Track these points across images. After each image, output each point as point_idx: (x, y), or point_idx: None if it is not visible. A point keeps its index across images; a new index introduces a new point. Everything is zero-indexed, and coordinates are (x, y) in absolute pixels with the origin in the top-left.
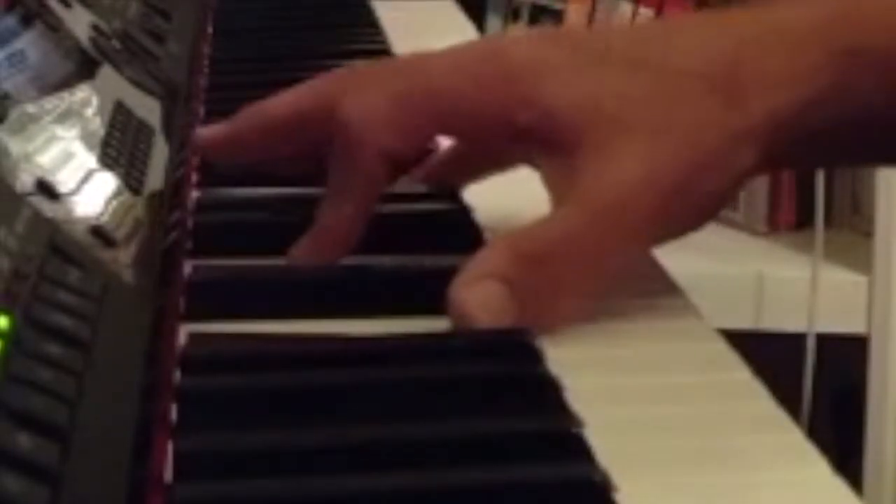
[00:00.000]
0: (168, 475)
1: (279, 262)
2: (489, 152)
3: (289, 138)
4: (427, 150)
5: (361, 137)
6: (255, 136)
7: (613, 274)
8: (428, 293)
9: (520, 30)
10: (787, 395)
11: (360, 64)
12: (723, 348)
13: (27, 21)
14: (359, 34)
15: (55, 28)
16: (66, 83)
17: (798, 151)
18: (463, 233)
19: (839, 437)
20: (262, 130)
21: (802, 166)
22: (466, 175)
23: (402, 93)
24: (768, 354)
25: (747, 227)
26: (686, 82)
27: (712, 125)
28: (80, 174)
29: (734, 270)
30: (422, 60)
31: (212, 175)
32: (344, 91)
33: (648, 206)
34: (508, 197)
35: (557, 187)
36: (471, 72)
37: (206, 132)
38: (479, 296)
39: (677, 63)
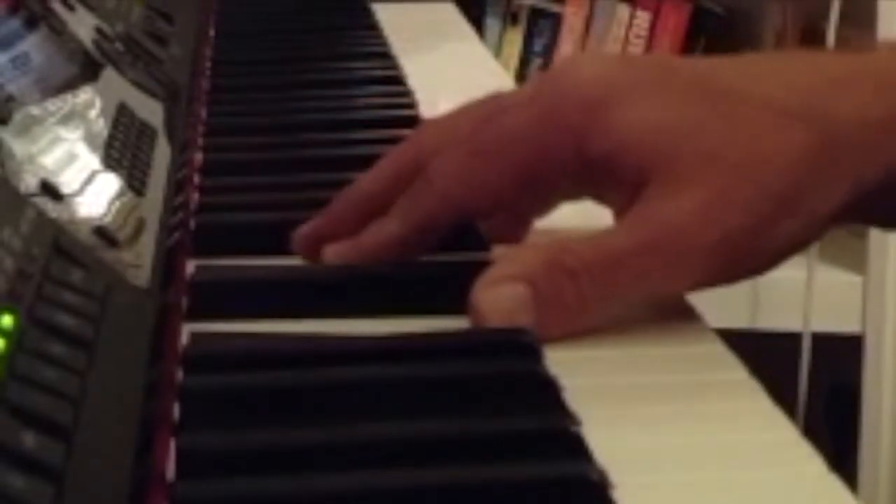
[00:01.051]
0: (170, 473)
1: (280, 262)
2: (557, 187)
3: (385, 207)
4: (508, 202)
5: (434, 181)
6: (354, 218)
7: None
8: (430, 293)
9: (517, 33)
10: (782, 394)
11: (441, 118)
12: (720, 348)
13: (31, 24)
14: (359, 37)
15: (59, 31)
16: (69, 85)
17: (885, 202)
18: (464, 234)
19: (834, 434)
20: (361, 209)
21: (884, 220)
22: (530, 214)
23: (478, 146)
24: (764, 353)
25: None
26: (770, 116)
27: (796, 162)
28: (84, 175)
29: None
30: (499, 105)
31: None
32: (430, 152)
33: (706, 243)
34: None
35: (624, 216)
36: (541, 106)
37: (303, 230)
38: (498, 298)
39: (763, 94)
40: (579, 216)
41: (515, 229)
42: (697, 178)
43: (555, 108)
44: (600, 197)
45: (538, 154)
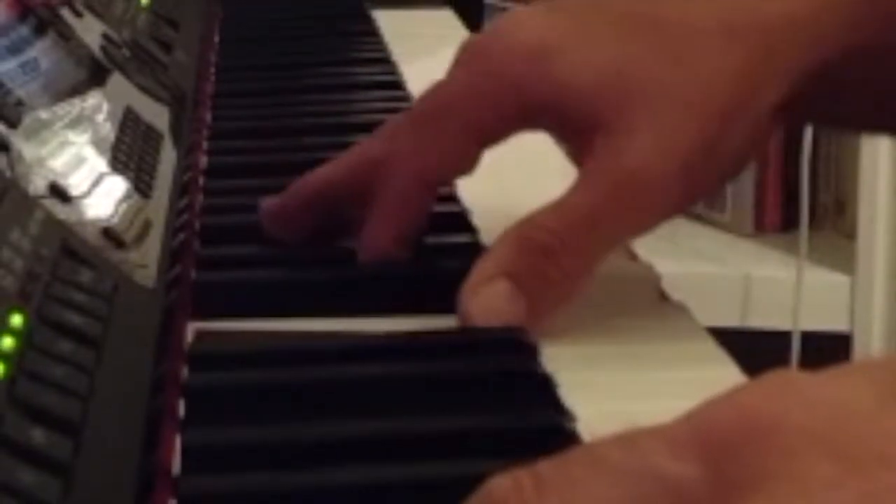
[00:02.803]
0: (176, 468)
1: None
2: (511, 134)
3: (341, 201)
4: (465, 160)
5: (395, 167)
6: (314, 200)
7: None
8: (427, 294)
9: None
10: None
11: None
12: (711, 345)
13: (40, 30)
14: (360, 43)
15: (67, 37)
16: (77, 90)
17: (817, 105)
18: (460, 235)
19: None
20: (317, 195)
21: (818, 120)
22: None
23: (423, 118)
24: (755, 351)
25: (734, 229)
26: (703, 37)
27: (729, 74)
28: (92, 178)
29: (722, 271)
30: (441, 80)
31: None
32: (382, 143)
33: (665, 175)
34: (505, 198)
35: (579, 164)
36: (480, 65)
37: (266, 204)
38: (484, 300)
39: (692, 16)
40: None
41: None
42: (643, 114)
43: (493, 63)
44: (555, 138)
45: (484, 109)
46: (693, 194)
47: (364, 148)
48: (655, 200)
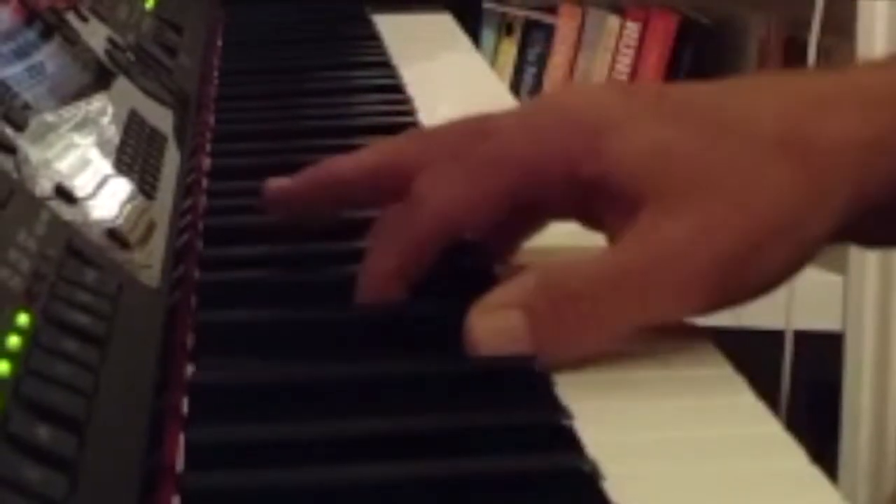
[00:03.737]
0: (180, 465)
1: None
2: (548, 209)
3: (353, 198)
4: (497, 220)
5: (424, 201)
6: (322, 192)
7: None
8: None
9: (512, 43)
10: (766, 389)
11: (430, 128)
12: (706, 344)
13: (46, 35)
14: (360, 47)
15: (73, 41)
16: (82, 93)
17: (872, 223)
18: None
19: (815, 428)
20: (330, 187)
21: (876, 240)
22: (520, 234)
23: (469, 161)
24: (748, 350)
25: None
26: (759, 148)
27: (787, 193)
28: (97, 179)
29: None
30: (492, 122)
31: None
32: (418, 160)
33: (702, 263)
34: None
35: (618, 241)
36: (534, 128)
37: (274, 184)
38: (494, 326)
39: (751, 124)
40: (570, 235)
41: (504, 249)
42: (691, 202)
43: (548, 130)
44: (591, 220)
45: (531, 175)
46: (730, 297)
47: (394, 154)
48: (688, 284)
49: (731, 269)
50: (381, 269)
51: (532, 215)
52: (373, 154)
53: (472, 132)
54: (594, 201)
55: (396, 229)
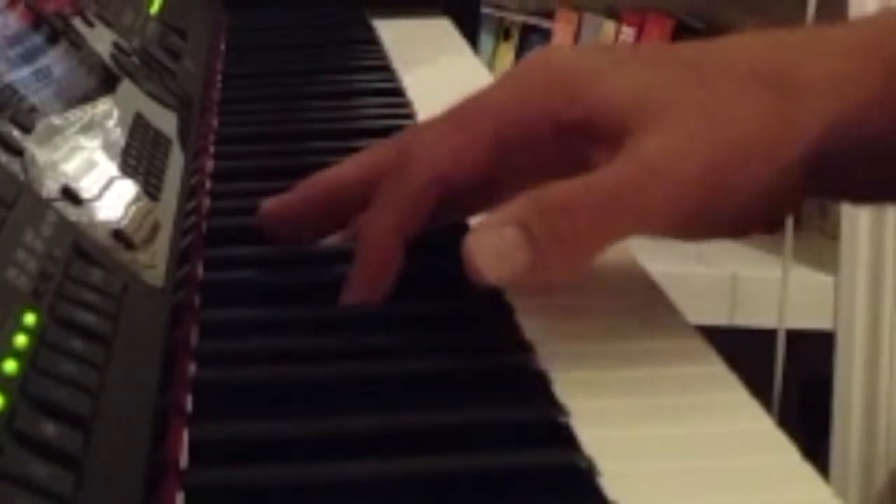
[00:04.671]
0: (183, 461)
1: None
2: (536, 159)
3: (353, 204)
4: (485, 182)
5: (414, 157)
6: (320, 204)
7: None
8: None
9: (510, 47)
10: (758, 387)
11: (423, 121)
12: (699, 343)
13: (52, 39)
14: (361, 51)
15: (79, 46)
16: (88, 97)
17: (842, 164)
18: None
19: (807, 425)
20: (328, 197)
21: (841, 187)
22: (511, 188)
23: (454, 119)
24: (741, 349)
25: None
26: (737, 79)
27: (758, 113)
28: (102, 181)
29: (710, 271)
30: (477, 92)
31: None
32: (410, 152)
33: (688, 174)
34: None
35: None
36: (517, 82)
37: (269, 205)
38: (490, 243)
39: (728, 64)
40: None
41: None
42: (673, 122)
43: (530, 83)
44: (578, 170)
45: (517, 125)
46: (717, 219)
47: (378, 150)
48: (677, 194)
49: (715, 181)
50: (378, 225)
51: (521, 169)
52: (367, 156)
53: (455, 104)
54: (580, 146)
55: (390, 187)
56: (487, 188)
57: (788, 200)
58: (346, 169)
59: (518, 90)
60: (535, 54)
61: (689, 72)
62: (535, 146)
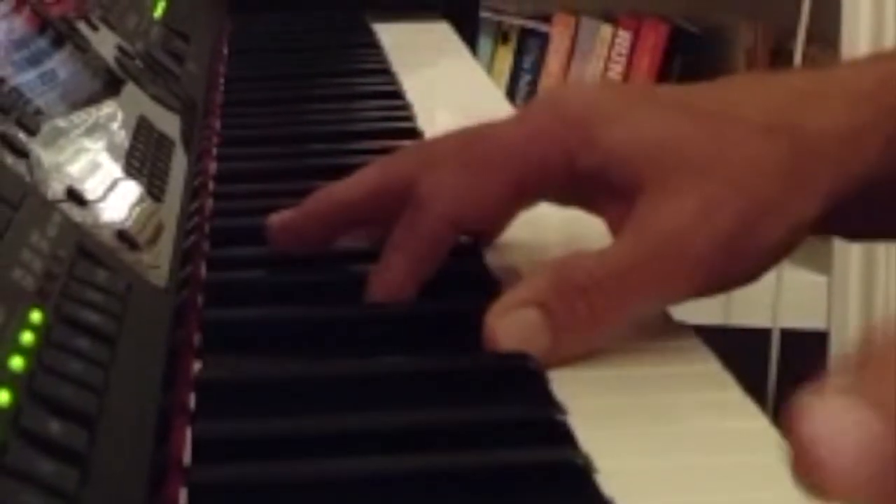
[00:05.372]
0: (187, 459)
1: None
2: (550, 197)
3: (359, 220)
4: (502, 215)
5: (430, 204)
6: (327, 220)
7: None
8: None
9: (508, 51)
10: (753, 385)
11: (430, 140)
12: (695, 342)
13: (58, 43)
14: (361, 54)
15: (83, 49)
16: (93, 99)
17: (858, 210)
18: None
19: None
20: (334, 213)
21: (858, 232)
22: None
23: (470, 161)
24: (736, 348)
25: None
26: (750, 130)
27: (778, 170)
28: (107, 183)
29: None
30: (489, 126)
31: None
32: (419, 170)
33: (703, 246)
34: (516, 235)
35: (619, 228)
36: (532, 125)
37: (277, 219)
38: (512, 325)
39: (740, 113)
40: (568, 225)
41: (497, 234)
42: (688, 187)
43: (545, 125)
44: (590, 208)
45: (530, 168)
46: (731, 276)
47: (387, 167)
48: (693, 268)
49: (731, 249)
50: (392, 272)
51: (533, 205)
52: (373, 172)
53: (469, 137)
54: (594, 192)
55: (405, 233)
56: (501, 221)
57: (794, 245)
58: (353, 186)
59: (534, 131)
60: (550, 93)
61: (704, 123)
62: (550, 188)
